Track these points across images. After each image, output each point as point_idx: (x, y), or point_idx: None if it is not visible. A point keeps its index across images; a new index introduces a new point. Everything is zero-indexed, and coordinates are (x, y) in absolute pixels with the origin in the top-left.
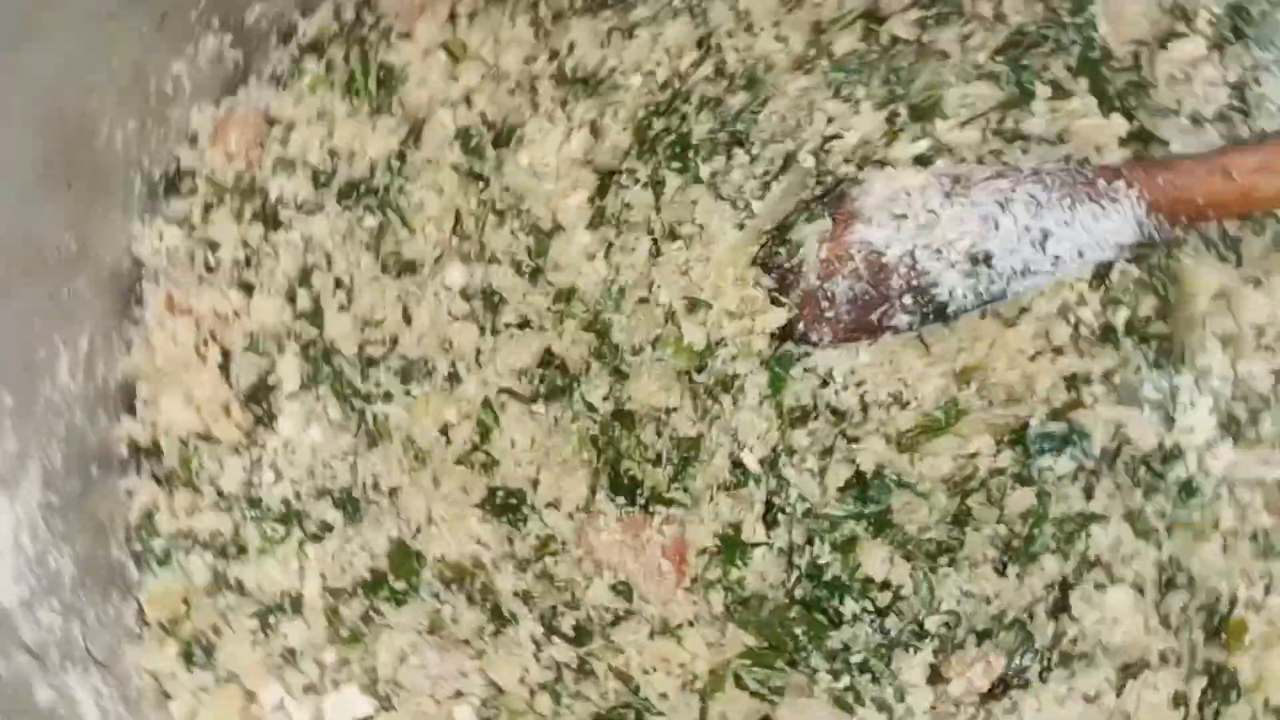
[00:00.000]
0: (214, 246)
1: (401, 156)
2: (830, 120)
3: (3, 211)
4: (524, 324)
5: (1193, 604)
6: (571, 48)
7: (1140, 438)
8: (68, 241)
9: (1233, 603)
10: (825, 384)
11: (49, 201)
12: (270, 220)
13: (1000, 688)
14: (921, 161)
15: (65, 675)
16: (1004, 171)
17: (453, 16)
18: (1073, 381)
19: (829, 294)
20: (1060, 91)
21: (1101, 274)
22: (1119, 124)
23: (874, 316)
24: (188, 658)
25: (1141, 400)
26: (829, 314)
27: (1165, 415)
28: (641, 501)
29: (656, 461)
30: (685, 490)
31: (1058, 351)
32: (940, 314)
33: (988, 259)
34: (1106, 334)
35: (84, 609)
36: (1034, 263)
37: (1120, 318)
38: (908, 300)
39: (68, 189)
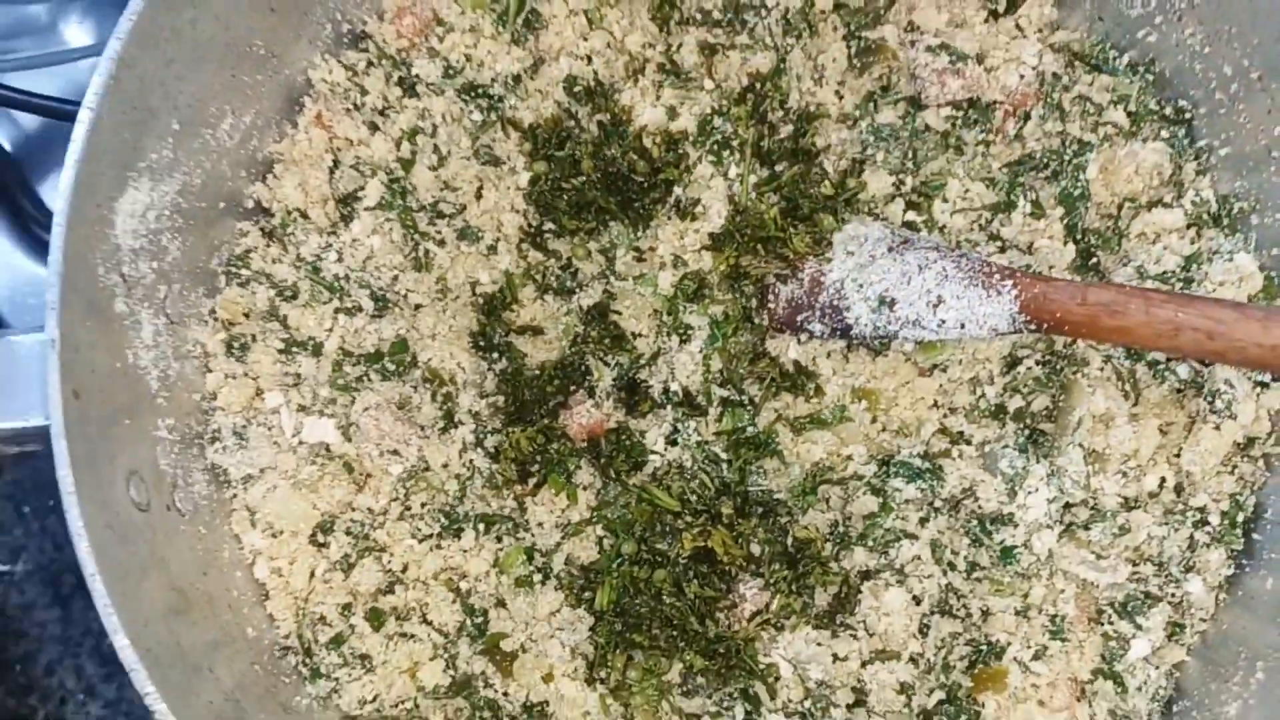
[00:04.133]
0: (363, 91)
1: (518, 79)
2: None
3: (220, 9)
4: (561, 232)
5: (964, 635)
6: (679, 47)
7: (985, 499)
8: (258, 46)
9: (1001, 652)
10: (755, 358)
11: (255, 12)
12: (407, 88)
13: (761, 618)
14: (908, 225)
15: (140, 306)
16: (938, 245)
17: None
18: (954, 437)
19: (776, 291)
20: (1038, 211)
21: (1013, 363)
22: (1069, 252)
23: (799, 318)
24: (228, 348)
25: (997, 471)
26: (770, 305)
27: (1011, 490)
28: (587, 385)
29: (608, 365)
30: (623, 392)
31: (952, 410)
32: (845, 333)
33: (892, 304)
34: (998, 412)
35: (173, 282)
36: (924, 320)
37: (1014, 404)
38: (825, 315)
39: (270, 12)
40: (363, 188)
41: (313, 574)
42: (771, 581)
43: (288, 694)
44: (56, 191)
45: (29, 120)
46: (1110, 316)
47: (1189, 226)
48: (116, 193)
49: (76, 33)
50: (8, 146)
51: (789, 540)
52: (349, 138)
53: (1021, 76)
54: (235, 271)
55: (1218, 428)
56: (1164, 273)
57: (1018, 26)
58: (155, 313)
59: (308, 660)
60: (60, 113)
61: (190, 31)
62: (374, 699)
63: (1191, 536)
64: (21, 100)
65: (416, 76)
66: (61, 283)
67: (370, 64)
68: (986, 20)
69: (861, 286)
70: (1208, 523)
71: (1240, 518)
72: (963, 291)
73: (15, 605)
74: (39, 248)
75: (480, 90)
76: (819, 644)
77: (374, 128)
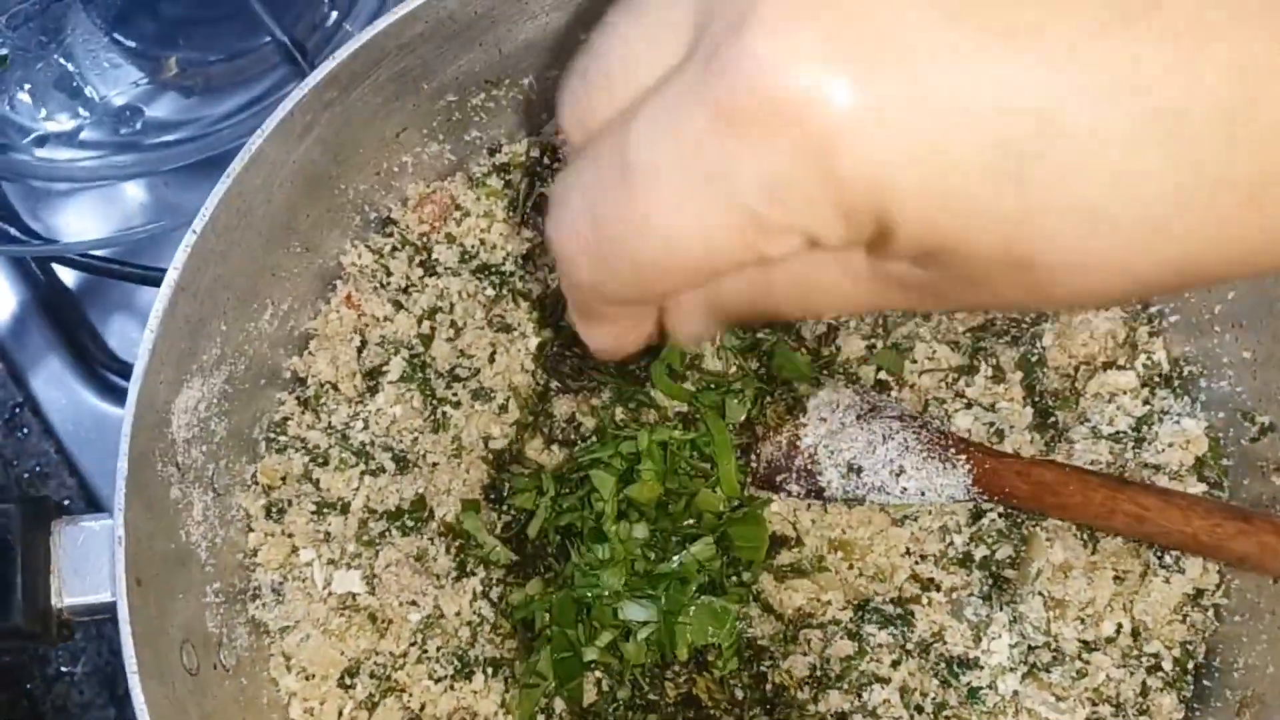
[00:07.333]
0: (389, 273)
1: (529, 256)
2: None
3: (263, 222)
4: (563, 391)
5: None
6: None
7: (952, 643)
8: (294, 244)
9: None
10: None
11: (290, 220)
12: (428, 269)
13: None
14: (879, 385)
15: (192, 487)
16: (902, 415)
17: None
18: (924, 583)
19: (758, 452)
20: (998, 374)
21: (978, 515)
22: (1028, 414)
23: (778, 479)
24: (268, 511)
25: (963, 617)
26: (753, 464)
27: (976, 635)
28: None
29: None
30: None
31: (923, 557)
32: (819, 495)
33: (859, 471)
34: (965, 560)
35: (220, 459)
36: (888, 486)
37: (979, 553)
38: (800, 478)
39: (305, 217)
40: (387, 363)
41: (340, 713)
42: None
43: None
44: (129, 381)
45: None
46: (1052, 495)
47: (1142, 386)
48: (172, 396)
49: None
50: (71, 287)
51: (768, 686)
52: (375, 315)
53: None
54: (274, 438)
55: (1167, 580)
56: (1117, 432)
57: None
58: (204, 490)
59: None
60: (146, 279)
61: (238, 250)
62: None
63: (1144, 681)
64: (108, 270)
65: (436, 260)
66: (126, 486)
67: (395, 248)
68: None
69: (833, 453)
70: (1161, 668)
71: (1191, 664)
72: (922, 463)
73: (75, 704)
74: (103, 386)
75: (493, 269)
76: None
77: (398, 305)
